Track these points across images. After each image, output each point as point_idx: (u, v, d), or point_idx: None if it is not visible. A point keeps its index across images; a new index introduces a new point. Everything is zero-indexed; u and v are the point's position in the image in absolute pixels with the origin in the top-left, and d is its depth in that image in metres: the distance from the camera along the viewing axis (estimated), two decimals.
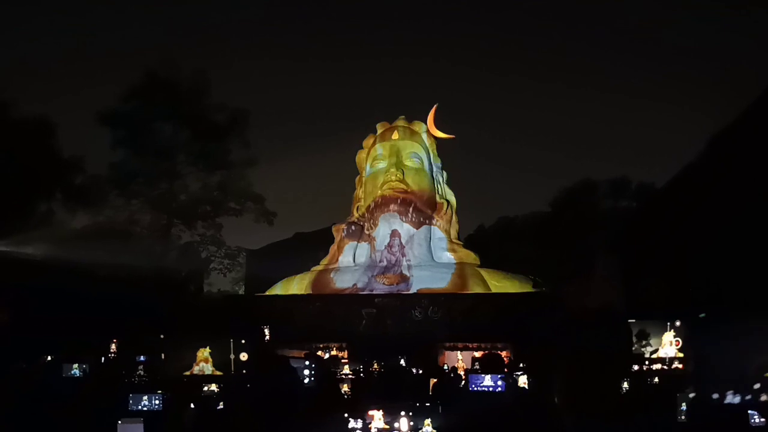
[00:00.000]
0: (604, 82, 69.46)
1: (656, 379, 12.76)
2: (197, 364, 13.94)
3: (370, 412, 8.26)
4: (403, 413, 8.17)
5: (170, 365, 14.28)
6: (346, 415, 7.70)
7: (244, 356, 13.67)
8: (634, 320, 14.48)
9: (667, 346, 14.40)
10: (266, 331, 16.81)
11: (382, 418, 8.19)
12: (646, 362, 14.02)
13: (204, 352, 13.87)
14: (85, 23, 65.49)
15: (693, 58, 66.32)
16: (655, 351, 14.36)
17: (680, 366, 13.91)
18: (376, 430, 8.06)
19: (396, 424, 8.11)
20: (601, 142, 60.83)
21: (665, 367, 13.97)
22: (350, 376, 14.37)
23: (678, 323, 14.38)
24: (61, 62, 63.41)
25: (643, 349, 14.36)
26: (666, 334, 14.48)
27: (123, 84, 28.38)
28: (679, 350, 14.29)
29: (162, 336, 16.34)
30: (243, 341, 13.87)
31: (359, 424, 7.92)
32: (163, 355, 14.93)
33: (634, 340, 14.29)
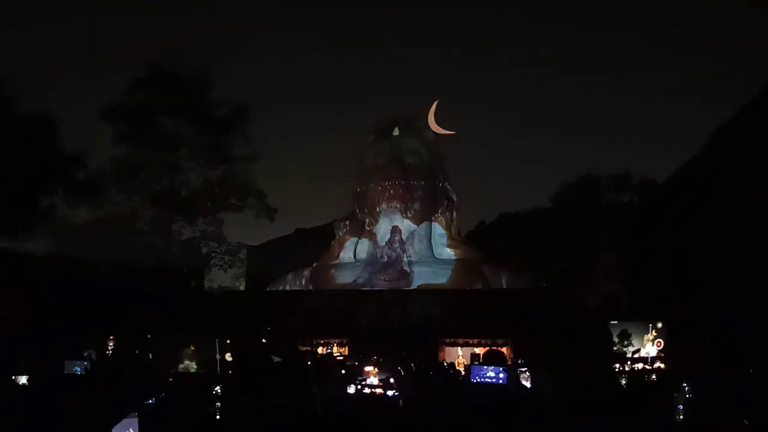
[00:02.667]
0: (608, 76, 69.29)
1: (653, 377, 12.85)
2: (182, 363, 13.97)
3: (366, 368, 8.43)
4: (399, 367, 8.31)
5: (157, 363, 14.30)
6: (343, 371, 7.80)
7: (228, 356, 13.68)
8: (616, 322, 14.62)
9: (649, 346, 14.52)
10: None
11: (377, 376, 8.35)
12: (629, 362, 14.15)
13: (189, 351, 13.92)
14: (83, 16, 65.35)
15: (709, 53, 65.81)
16: (637, 351, 14.49)
17: (662, 366, 14.03)
18: (369, 390, 8.22)
19: (392, 380, 8.27)
20: (605, 137, 60.75)
21: (647, 366, 14.10)
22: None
23: (660, 324, 14.49)
24: (62, 55, 63.28)
25: (624, 349, 14.51)
26: (647, 335, 14.60)
27: (124, 78, 28.45)
28: (661, 351, 14.44)
29: (149, 336, 16.38)
30: (228, 341, 13.89)
31: (352, 390, 8.10)
32: (150, 355, 14.98)
33: (616, 340, 14.42)
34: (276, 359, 10.58)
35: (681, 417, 8.08)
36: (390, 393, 8.15)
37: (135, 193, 28.33)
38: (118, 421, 4.17)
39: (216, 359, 12.94)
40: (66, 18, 63.70)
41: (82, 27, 64.16)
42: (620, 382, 9.99)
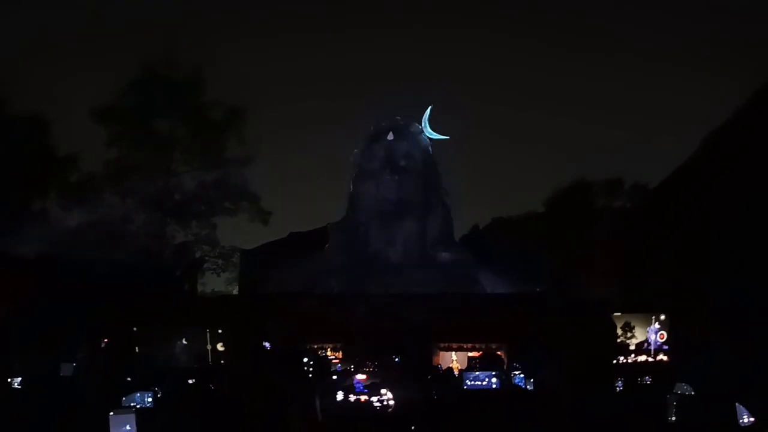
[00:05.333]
0: (605, 78, 69.30)
1: (648, 379, 12.91)
2: (173, 356, 13.99)
3: (358, 376, 8.49)
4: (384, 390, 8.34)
5: (148, 358, 14.24)
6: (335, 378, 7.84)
7: (220, 346, 13.70)
8: (619, 313, 14.70)
9: (652, 337, 14.67)
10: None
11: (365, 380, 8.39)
12: (632, 354, 14.25)
13: (180, 344, 13.96)
14: (77, 13, 64.62)
15: (706, 53, 65.80)
16: (641, 343, 14.63)
17: (665, 358, 14.11)
18: (355, 398, 8.29)
19: (383, 391, 8.30)
20: (598, 142, 60.74)
21: (650, 359, 14.20)
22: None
23: (663, 317, 14.61)
24: (55, 54, 62.60)
25: (628, 341, 14.62)
26: (651, 326, 14.74)
27: (118, 78, 28.16)
28: (665, 343, 14.55)
29: (135, 329, 16.22)
30: (220, 331, 13.83)
31: (340, 395, 8.17)
32: (137, 348, 14.88)
33: (620, 332, 14.53)
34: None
35: (673, 418, 8.13)
36: (375, 399, 8.19)
37: (128, 196, 28.15)
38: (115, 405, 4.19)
39: (207, 350, 12.90)
40: (59, 15, 63.17)
41: (76, 24, 63.76)
42: (615, 386, 10.01)
